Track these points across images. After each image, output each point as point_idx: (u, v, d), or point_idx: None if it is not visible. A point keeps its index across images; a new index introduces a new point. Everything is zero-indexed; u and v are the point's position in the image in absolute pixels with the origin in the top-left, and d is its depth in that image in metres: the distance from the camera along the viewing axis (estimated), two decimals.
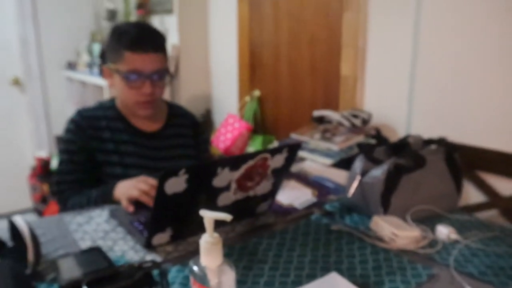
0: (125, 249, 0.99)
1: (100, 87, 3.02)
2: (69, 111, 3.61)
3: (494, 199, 1.57)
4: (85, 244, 1.01)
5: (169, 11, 2.90)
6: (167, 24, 2.98)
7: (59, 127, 3.54)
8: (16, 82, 3.45)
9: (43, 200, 3.13)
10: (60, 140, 1.61)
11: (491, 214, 1.57)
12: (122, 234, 1.07)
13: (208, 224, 0.62)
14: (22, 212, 3.47)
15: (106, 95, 2.78)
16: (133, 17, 3.09)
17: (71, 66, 3.45)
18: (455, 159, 1.21)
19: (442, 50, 1.69)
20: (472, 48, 1.59)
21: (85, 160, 1.37)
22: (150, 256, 0.96)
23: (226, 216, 0.61)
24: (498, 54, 1.53)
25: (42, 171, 3.11)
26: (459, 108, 1.66)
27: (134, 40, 1.29)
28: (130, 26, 1.36)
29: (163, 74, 1.35)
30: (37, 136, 3.54)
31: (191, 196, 0.93)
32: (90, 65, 3.19)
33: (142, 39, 1.30)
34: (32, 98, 3.50)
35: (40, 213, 3.08)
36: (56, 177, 1.40)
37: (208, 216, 0.61)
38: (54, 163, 3.26)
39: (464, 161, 1.24)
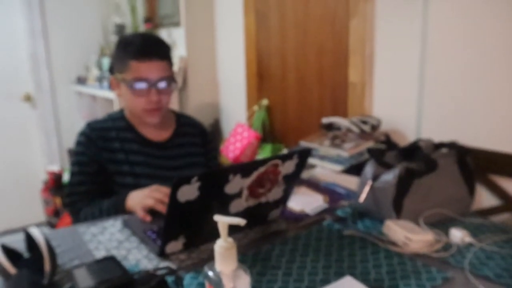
0: (139, 257, 1.00)
1: (110, 100, 3.05)
2: (80, 125, 3.63)
3: (508, 202, 1.56)
4: (99, 254, 1.02)
5: (176, 24, 2.94)
6: (175, 37, 3.02)
7: (70, 141, 3.61)
8: (28, 98, 3.50)
9: (56, 213, 3.15)
10: (71, 152, 1.64)
11: (505, 218, 1.55)
12: (135, 243, 1.07)
13: (223, 229, 0.63)
14: (35, 225, 3.50)
15: (116, 108, 2.81)
16: (141, 30, 3.13)
17: (81, 80, 3.50)
18: (467, 162, 1.21)
19: (451, 54, 1.69)
20: (480, 51, 1.59)
21: (96, 172, 1.39)
22: (164, 265, 0.96)
23: (240, 221, 0.62)
24: (506, 57, 1.52)
25: (54, 184, 3.14)
26: (469, 112, 1.65)
27: (139, 49, 1.33)
28: (135, 36, 1.40)
29: (169, 81, 1.37)
30: (48, 150, 3.58)
31: (203, 203, 0.93)
32: (99, 79, 3.23)
33: (147, 47, 1.34)
34: (42, 113, 3.54)
35: (53, 226, 3.10)
36: (68, 189, 1.42)
37: (223, 221, 0.62)
38: (66, 177, 3.29)
39: (476, 164, 1.24)
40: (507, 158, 1.54)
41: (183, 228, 0.98)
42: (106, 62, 3.25)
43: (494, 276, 0.88)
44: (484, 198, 1.62)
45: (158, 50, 1.35)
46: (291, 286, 0.86)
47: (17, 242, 0.99)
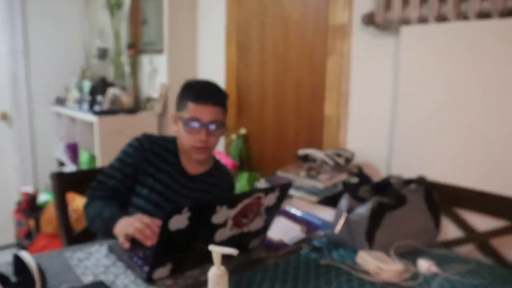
0: (126, 283, 1.04)
1: (90, 123, 3.07)
2: (56, 147, 3.64)
3: (471, 234, 1.66)
4: (87, 279, 1.06)
5: (159, 51, 3.01)
6: (157, 63, 3.09)
7: (46, 162, 3.58)
8: (4, 117, 3.48)
9: (28, 235, 3.11)
10: (54, 177, 1.68)
11: (468, 249, 1.66)
12: (122, 269, 1.12)
13: (216, 258, 0.69)
14: (4, 247, 3.43)
15: (96, 132, 2.84)
16: (124, 56, 3.18)
17: (60, 101, 3.51)
18: (433, 197, 1.31)
19: (421, 93, 1.82)
20: (450, 90, 1.72)
21: (130, 176, 1.51)
22: None
23: (232, 251, 0.68)
24: (476, 97, 1.66)
25: (28, 206, 3.10)
26: (437, 149, 1.77)
27: (199, 93, 1.48)
28: (198, 82, 1.56)
29: (218, 124, 1.50)
30: (22, 171, 3.55)
31: (191, 232, 0.99)
32: (79, 101, 3.25)
33: (205, 92, 1.50)
34: (19, 132, 3.52)
35: (24, 248, 3.05)
36: (100, 176, 1.53)
37: (216, 250, 0.68)
38: (42, 198, 3.26)
39: (442, 198, 1.34)
40: (470, 193, 1.66)
41: (171, 255, 1.03)
42: (87, 84, 3.28)
43: None
44: (449, 230, 1.73)
45: (214, 96, 1.50)
46: None
47: None
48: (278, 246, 1.26)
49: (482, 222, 1.66)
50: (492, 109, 1.62)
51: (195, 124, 1.47)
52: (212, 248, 0.68)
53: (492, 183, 1.62)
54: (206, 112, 1.47)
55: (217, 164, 1.70)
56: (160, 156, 1.55)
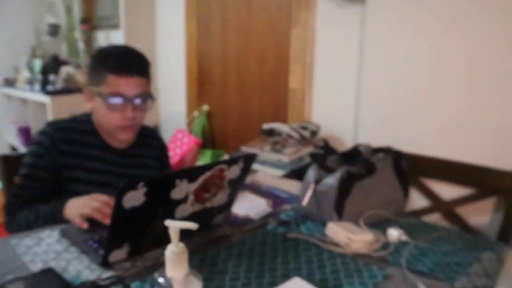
0: (80, 268, 0.96)
1: (42, 104, 2.90)
2: (7, 131, 3.43)
3: (437, 203, 1.66)
4: (36, 267, 0.96)
5: (115, 26, 2.86)
6: (113, 40, 2.94)
7: None
8: None
9: None
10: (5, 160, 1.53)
11: (434, 217, 1.66)
12: (76, 254, 1.03)
13: (174, 234, 0.62)
14: None
15: (49, 113, 2.68)
16: (77, 32, 3.01)
17: (9, 82, 3.30)
18: (402, 166, 1.28)
19: (386, 63, 1.78)
20: (415, 60, 1.70)
21: (49, 179, 1.31)
22: (107, 274, 0.93)
23: (192, 225, 0.62)
24: (440, 65, 1.63)
25: None
26: (402, 118, 1.75)
27: (118, 63, 1.28)
28: (115, 49, 1.34)
29: (145, 98, 1.33)
30: None
31: (149, 209, 0.92)
32: (30, 81, 3.06)
33: (127, 62, 1.29)
34: None
35: None
36: (14, 189, 1.33)
37: (174, 225, 0.61)
38: None
39: (409, 168, 1.31)
40: (437, 162, 1.65)
41: (128, 235, 0.95)
42: (38, 63, 3.09)
43: (428, 271, 0.94)
44: (416, 200, 1.72)
45: (138, 66, 1.31)
46: None
47: None
48: (243, 222, 1.20)
49: (447, 191, 1.65)
50: (457, 78, 1.60)
51: (119, 100, 1.28)
52: (169, 223, 0.61)
53: (456, 152, 1.62)
54: (130, 85, 1.28)
55: (141, 129, 1.49)
56: (78, 143, 1.35)
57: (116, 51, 1.32)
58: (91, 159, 1.36)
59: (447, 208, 1.64)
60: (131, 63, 1.30)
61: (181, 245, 0.62)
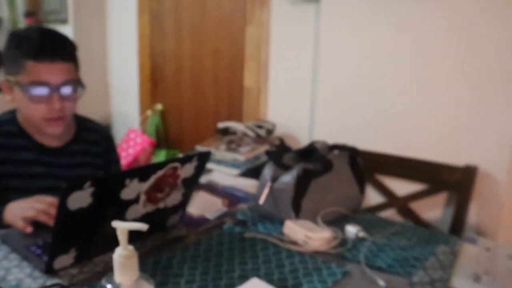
0: (21, 277, 0.88)
1: None
2: None
3: (392, 199, 1.68)
4: None
5: (63, 21, 2.73)
6: None
7: None
8: None
9: None
10: None
11: (390, 213, 1.68)
12: (16, 261, 0.95)
13: (122, 236, 0.57)
14: None
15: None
16: (22, 26, 2.85)
17: None
18: (358, 163, 1.28)
19: (341, 61, 1.79)
20: (370, 57, 1.71)
21: None
22: (52, 282, 0.86)
23: (141, 226, 0.57)
24: (395, 63, 1.65)
25: None
26: (357, 117, 1.76)
27: (37, 46, 1.12)
28: (32, 31, 1.18)
29: (74, 86, 1.18)
30: None
31: (97, 211, 0.86)
32: None
33: (47, 45, 1.13)
34: None
35: None
36: None
37: (122, 227, 0.57)
38: None
39: (364, 165, 1.32)
40: (391, 159, 1.67)
41: (74, 239, 0.89)
42: None
43: (387, 267, 0.93)
44: (372, 197, 1.74)
45: (61, 49, 1.15)
46: None
47: None
48: (199, 222, 1.16)
49: (401, 187, 1.68)
50: (411, 76, 1.63)
51: (42, 90, 1.12)
52: (116, 224, 0.56)
53: (410, 149, 1.64)
54: (54, 72, 1.12)
55: (80, 123, 1.36)
56: (5, 147, 1.20)
57: (34, 33, 1.15)
58: (24, 164, 1.22)
59: (401, 204, 1.66)
60: (53, 46, 1.14)
61: (130, 247, 0.58)
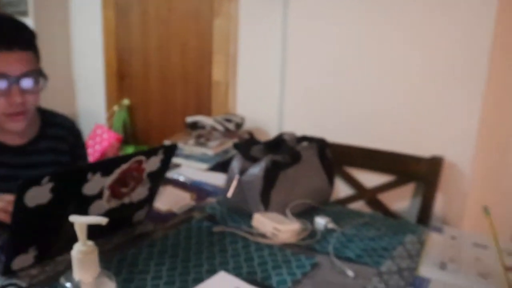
0: None
1: None
2: None
3: (361, 191, 1.70)
4: None
5: (23, 13, 2.62)
6: None
7: None
8: None
9: None
10: None
11: (359, 205, 1.69)
12: None
13: (80, 231, 0.55)
14: None
15: None
16: None
17: None
18: (327, 154, 1.28)
19: (310, 54, 1.79)
20: (338, 51, 1.71)
21: None
22: (8, 283, 0.82)
23: (100, 220, 0.55)
24: (362, 57, 1.66)
25: None
26: (326, 110, 1.77)
27: None
28: None
29: (35, 77, 1.10)
30: None
31: (58, 207, 0.82)
32: None
33: (3, 33, 1.05)
34: None
35: None
36: None
37: (80, 221, 0.54)
38: None
39: (333, 157, 1.32)
40: (359, 151, 1.68)
41: (34, 238, 0.85)
42: None
43: (355, 257, 0.94)
44: (341, 189, 1.75)
45: (19, 36, 1.07)
46: None
47: None
48: (166, 217, 1.13)
49: (369, 179, 1.70)
50: (379, 69, 1.64)
51: (1, 83, 1.05)
52: (74, 218, 0.53)
53: (378, 141, 1.66)
54: (12, 62, 1.04)
55: (45, 118, 1.27)
56: None
57: None
58: None
59: (370, 195, 1.68)
60: (9, 34, 1.06)
61: (90, 243, 0.55)
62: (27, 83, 1.08)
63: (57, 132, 1.28)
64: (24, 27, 1.12)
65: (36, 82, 1.11)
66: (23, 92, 1.08)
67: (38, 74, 1.11)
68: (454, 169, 1.54)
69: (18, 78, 1.06)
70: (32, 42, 1.12)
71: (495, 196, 1.66)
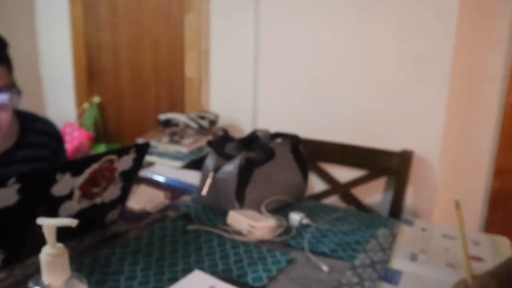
0: None
1: None
2: None
3: (334, 186, 1.71)
4: None
5: None
6: None
7: None
8: None
9: None
10: None
11: (333, 200, 1.71)
12: None
13: (49, 233, 0.53)
14: None
15: None
16: None
17: None
18: (300, 150, 1.28)
19: (281, 51, 1.79)
20: (309, 49, 1.72)
21: None
22: None
23: (70, 221, 0.53)
24: (335, 54, 1.68)
25: None
26: (300, 106, 1.78)
27: None
28: None
29: (9, 91, 1.02)
30: None
31: (25, 209, 0.80)
32: None
33: None
34: None
35: None
36: None
37: (48, 223, 0.52)
38: None
39: (307, 153, 1.32)
40: (332, 146, 1.70)
41: (1, 241, 0.83)
42: None
43: (330, 251, 0.95)
44: (315, 184, 1.76)
45: None
46: None
47: None
48: (140, 216, 1.12)
49: (343, 173, 1.71)
50: (349, 65, 1.66)
51: None
52: (41, 221, 0.52)
53: (350, 136, 1.68)
54: None
55: (25, 124, 1.18)
56: None
57: None
58: None
59: (344, 190, 1.70)
60: None
61: (59, 245, 0.54)
62: (1, 98, 1.01)
63: (38, 139, 1.20)
64: None
65: (8, 98, 1.02)
66: None
67: (10, 89, 1.03)
68: (423, 162, 1.58)
69: None
70: (5, 56, 1.05)
71: (463, 188, 1.70)
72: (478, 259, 0.91)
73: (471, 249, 0.92)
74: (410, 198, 1.61)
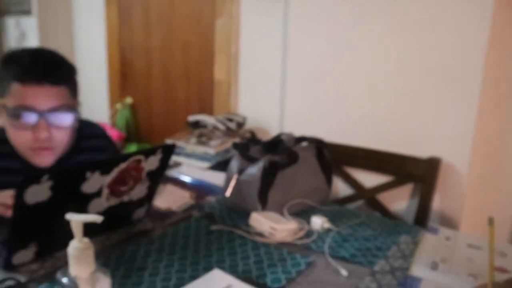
0: None
1: None
2: None
3: (359, 191, 1.71)
4: None
5: (27, 12, 2.65)
6: (25, 27, 2.72)
7: None
8: None
9: None
10: None
11: (358, 205, 1.70)
12: None
13: (76, 228, 0.56)
14: None
15: None
16: None
17: None
18: (324, 155, 1.29)
19: (310, 55, 1.80)
20: (337, 53, 1.72)
21: None
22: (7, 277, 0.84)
23: (96, 218, 0.56)
24: (361, 58, 1.67)
25: None
26: (327, 110, 1.78)
27: (25, 68, 1.03)
28: (24, 51, 1.09)
29: (65, 111, 1.07)
30: None
31: (57, 205, 0.84)
32: None
33: (35, 67, 1.04)
34: None
35: None
36: None
37: (76, 219, 0.56)
38: None
39: (332, 157, 1.33)
40: (358, 151, 1.69)
41: (34, 234, 0.87)
42: None
43: (350, 256, 0.95)
44: (341, 188, 1.76)
45: (52, 72, 1.06)
46: (158, 286, 0.82)
47: None
48: (165, 215, 1.15)
49: (368, 179, 1.70)
50: (379, 70, 1.65)
51: (28, 116, 1.03)
52: (70, 216, 0.55)
53: (377, 141, 1.67)
54: (41, 95, 1.03)
55: (81, 130, 1.21)
56: None
57: (25, 54, 1.08)
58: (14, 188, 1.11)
59: (369, 196, 1.69)
60: (41, 68, 1.05)
61: (86, 240, 0.57)
62: (55, 118, 1.06)
63: (95, 143, 1.25)
64: (60, 63, 1.11)
65: (66, 118, 1.08)
66: (51, 127, 1.06)
67: (69, 109, 1.08)
68: (451, 169, 1.55)
69: (45, 113, 1.04)
70: (67, 78, 1.10)
71: (493, 197, 1.67)
72: (503, 270, 0.89)
73: (497, 260, 0.90)
74: (437, 205, 1.58)
